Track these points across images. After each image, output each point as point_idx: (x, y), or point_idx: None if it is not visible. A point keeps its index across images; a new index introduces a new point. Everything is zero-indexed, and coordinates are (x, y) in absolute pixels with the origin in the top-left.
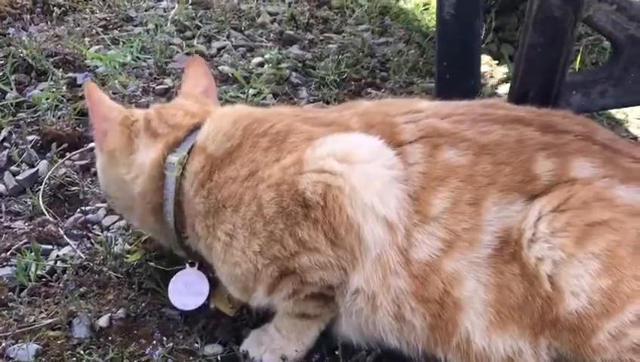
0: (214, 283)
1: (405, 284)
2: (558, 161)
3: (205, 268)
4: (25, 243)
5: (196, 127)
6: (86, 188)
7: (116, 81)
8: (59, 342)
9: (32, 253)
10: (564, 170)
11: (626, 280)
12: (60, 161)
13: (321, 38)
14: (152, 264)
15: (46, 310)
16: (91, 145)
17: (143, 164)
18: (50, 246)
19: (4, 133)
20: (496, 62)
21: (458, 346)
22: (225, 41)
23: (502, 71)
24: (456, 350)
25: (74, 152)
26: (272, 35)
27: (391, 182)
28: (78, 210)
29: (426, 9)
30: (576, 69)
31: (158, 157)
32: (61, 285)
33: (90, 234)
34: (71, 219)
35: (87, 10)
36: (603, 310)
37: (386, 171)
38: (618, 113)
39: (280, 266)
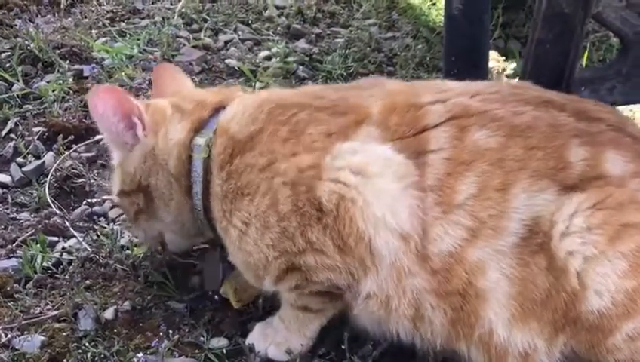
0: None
1: (424, 282)
2: (591, 151)
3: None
4: (31, 235)
5: (220, 107)
6: (92, 181)
7: (123, 74)
8: (64, 333)
9: (38, 245)
10: (597, 161)
11: None
12: (66, 152)
13: (328, 32)
14: (159, 256)
15: (52, 302)
16: (97, 137)
17: (171, 144)
18: (56, 238)
19: (10, 124)
20: (504, 58)
21: (480, 338)
22: (232, 34)
23: (509, 67)
24: (478, 342)
25: (80, 144)
26: (279, 28)
27: (402, 194)
28: (84, 202)
29: (433, 4)
30: (584, 66)
31: (185, 138)
32: (67, 277)
33: (96, 227)
34: (77, 211)
35: (94, 2)
36: (624, 311)
37: (396, 184)
38: (625, 110)
39: (287, 260)
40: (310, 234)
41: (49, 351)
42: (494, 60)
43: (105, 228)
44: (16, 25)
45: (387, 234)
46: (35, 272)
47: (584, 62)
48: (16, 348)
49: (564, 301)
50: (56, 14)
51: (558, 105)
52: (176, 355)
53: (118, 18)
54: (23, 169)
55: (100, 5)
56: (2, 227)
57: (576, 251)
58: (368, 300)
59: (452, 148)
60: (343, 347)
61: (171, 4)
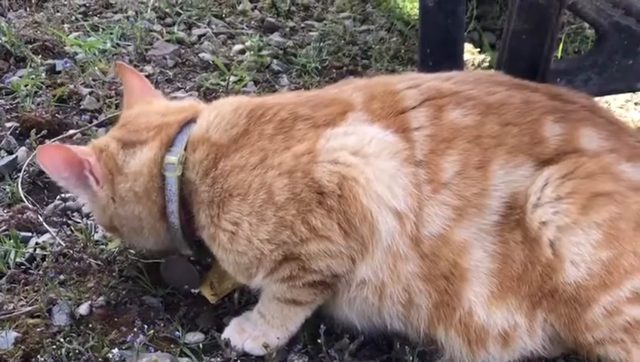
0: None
1: (415, 267)
2: (566, 127)
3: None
4: (4, 231)
5: (187, 122)
6: None
7: (96, 68)
8: (38, 329)
9: (11, 241)
10: (572, 136)
11: (625, 254)
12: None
13: (303, 25)
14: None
15: (25, 298)
16: (71, 131)
17: (138, 171)
18: (29, 234)
19: None
20: (479, 50)
21: (460, 320)
22: (205, 28)
23: (484, 59)
24: (458, 325)
25: (53, 139)
26: (253, 22)
27: (397, 173)
28: (58, 197)
29: None
30: (559, 58)
31: (154, 156)
32: (41, 272)
33: (69, 222)
34: (50, 206)
35: None
36: (601, 282)
37: (391, 163)
38: (600, 101)
39: (286, 251)
40: (314, 221)
41: (23, 347)
42: (469, 53)
43: (79, 223)
44: None
45: (387, 213)
46: (9, 268)
47: (559, 54)
48: None
49: (539, 273)
50: (28, 9)
51: (530, 87)
52: (152, 350)
53: (90, 12)
54: None
55: None
56: None
57: (549, 221)
58: (362, 287)
59: (432, 125)
60: (319, 341)
61: None
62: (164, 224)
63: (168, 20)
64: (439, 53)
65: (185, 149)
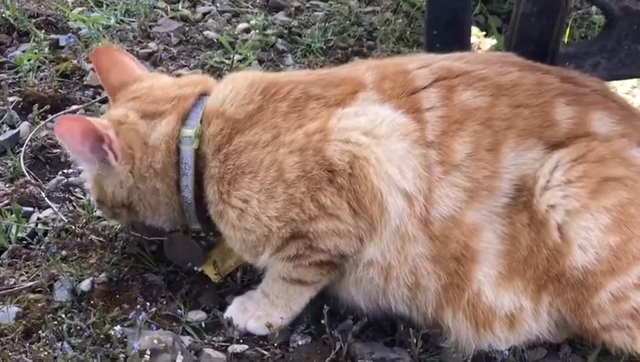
0: (206, 246)
1: (423, 249)
2: (578, 110)
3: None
4: (5, 205)
5: (202, 95)
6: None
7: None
8: (39, 304)
9: (13, 215)
10: (584, 119)
11: (634, 240)
12: (42, 122)
13: (308, 5)
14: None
15: (27, 273)
16: (74, 107)
17: (156, 143)
18: (31, 209)
19: None
20: (484, 33)
21: (468, 301)
22: (210, 6)
23: (490, 42)
24: (466, 306)
25: (56, 114)
26: (257, 1)
27: (407, 155)
28: (60, 172)
29: None
30: (566, 43)
31: (172, 130)
32: (42, 248)
33: (72, 197)
34: (52, 181)
35: None
36: (609, 267)
37: (402, 144)
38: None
39: (294, 228)
40: (324, 199)
41: (24, 322)
42: (475, 36)
43: (81, 198)
44: None
45: (396, 194)
46: (10, 242)
47: (566, 39)
48: None
49: (545, 257)
50: None
51: (543, 69)
52: (154, 328)
53: None
54: None
55: None
56: None
57: (557, 204)
58: (369, 268)
59: (443, 106)
60: (322, 321)
61: None
62: (178, 198)
63: None
64: (446, 36)
65: (200, 122)
